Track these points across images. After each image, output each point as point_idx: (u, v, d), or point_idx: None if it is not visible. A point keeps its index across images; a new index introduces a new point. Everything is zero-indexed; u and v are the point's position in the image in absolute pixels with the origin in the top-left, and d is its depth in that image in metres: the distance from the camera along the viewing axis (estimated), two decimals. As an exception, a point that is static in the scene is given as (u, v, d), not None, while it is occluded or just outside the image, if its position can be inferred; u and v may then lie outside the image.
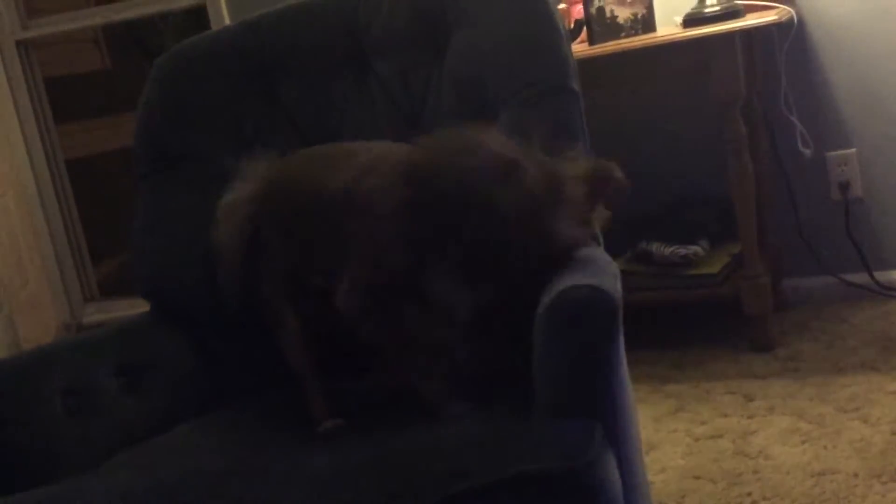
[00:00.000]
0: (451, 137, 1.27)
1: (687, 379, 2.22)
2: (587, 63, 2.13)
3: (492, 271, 1.15)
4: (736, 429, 1.93)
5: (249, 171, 1.47)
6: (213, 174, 1.55)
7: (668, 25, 2.35)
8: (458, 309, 1.16)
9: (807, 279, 2.54)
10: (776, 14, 2.19)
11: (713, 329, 2.44)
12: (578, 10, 2.37)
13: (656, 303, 2.41)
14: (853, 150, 2.47)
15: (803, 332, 2.37)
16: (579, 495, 0.93)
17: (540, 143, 1.21)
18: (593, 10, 2.27)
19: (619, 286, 1.07)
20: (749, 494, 1.68)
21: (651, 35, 2.28)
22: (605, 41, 2.26)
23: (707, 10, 2.21)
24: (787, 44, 2.40)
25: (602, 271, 1.10)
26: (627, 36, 2.28)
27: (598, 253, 1.27)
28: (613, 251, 1.32)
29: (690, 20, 2.23)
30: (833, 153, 2.49)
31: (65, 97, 3.70)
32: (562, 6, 2.42)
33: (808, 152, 2.46)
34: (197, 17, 3.25)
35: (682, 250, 2.37)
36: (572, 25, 2.40)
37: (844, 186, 2.49)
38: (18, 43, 3.29)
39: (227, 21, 2.92)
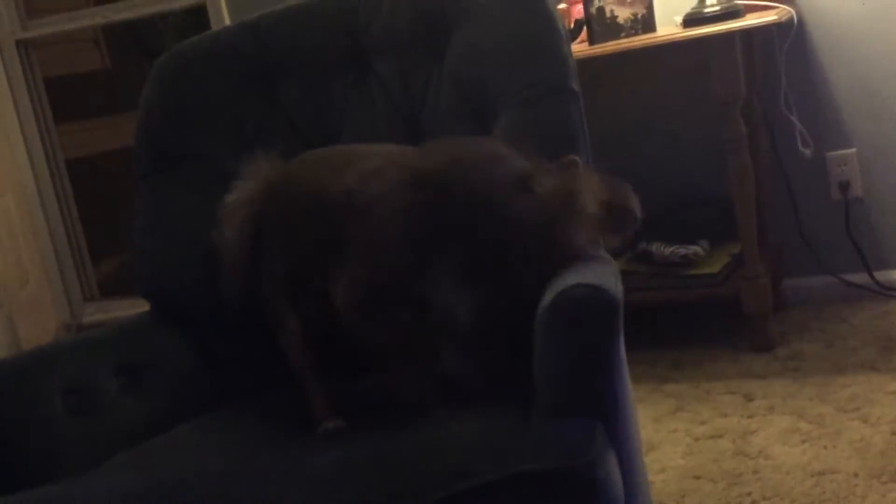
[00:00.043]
0: (465, 146, 1.27)
1: (687, 379, 2.22)
2: (587, 63, 2.14)
3: (495, 275, 1.15)
4: (736, 429, 1.93)
5: (252, 172, 1.47)
6: (213, 174, 1.55)
7: (668, 25, 2.35)
8: (459, 311, 1.17)
9: (807, 279, 2.54)
10: (776, 14, 2.19)
11: (713, 329, 2.44)
12: (578, 10, 2.37)
13: (656, 303, 2.41)
14: (853, 149, 2.47)
15: (803, 332, 2.37)
16: (580, 494, 0.93)
17: (545, 150, 1.22)
18: (593, 10, 2.27)
19: (619, 285, 1.07)
20: (749, 494, 1.68)
21: (651, 35, 2.28)
22: (605, 41, 2.26)
23: (707, 10, 2.21)
24: (787, 44, 2.40)
25: (603, 271, 1.10)
26: (627, 36, 2.28)
27: (600, 253, 1.27)
28: (613, 251, 1.32)
29: (690, 20, 2.23)
30: (833, 153, 2.49)
31: (65, 97, 3.70)
32: (562, 6, 2.42)
33: (808, 152, 2.46)
34: (197, 17, 3.25)
35: (683, 250, 2.37)
36: (572, 25, 2.40)
37: (844, 186, 2.49)
38: (18, 43, 3.29)
39: (227, 21, 2.92)
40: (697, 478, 1.77)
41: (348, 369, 1.40)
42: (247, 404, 1.44)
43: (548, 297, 1.06)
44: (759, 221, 2.29)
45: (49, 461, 1.33)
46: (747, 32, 2.22)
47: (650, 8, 2.31)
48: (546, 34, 1.45)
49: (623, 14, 2.29)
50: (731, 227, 2.30)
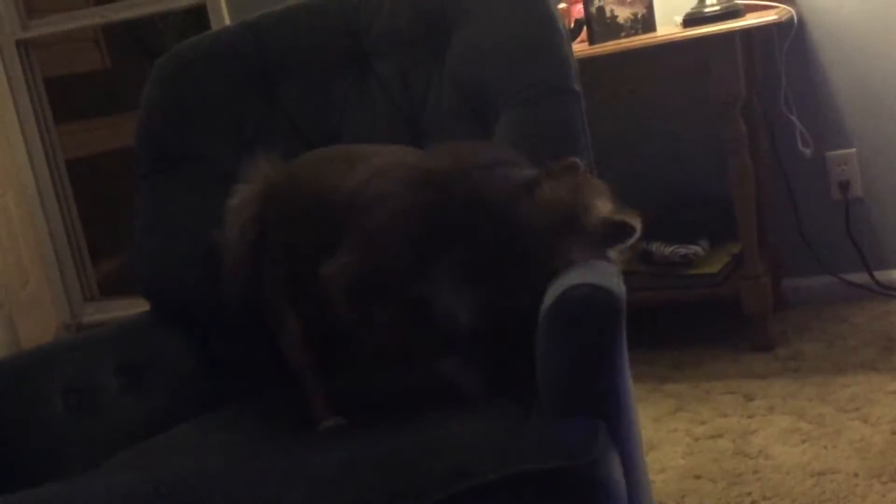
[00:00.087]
0: (469, 149, 1.27)
1: (687, 379, 2.22)
2: (587, 63, 2.13)
3: (495, 277, 1.15)
4: (736, 428, 1.93)
5: (253, 174, 1.47)
6: (213, 174, 1.55)
7: (668, 25, 2.35)
8: (459, 312, 1.16)
9: (807, 279, 2.54)
10: (776, 14, 2.19)
11: (713, 329, 2.44)
12: (578, 10, 2.37)
13: (656, 302, 2.41)
14: (853, 149, 2.47)
15: (803, 331, 2.37)
16: (583, 494, 0.93)
17: (545, 150, 1.22)
18: (593, 10, 2.27)
19: (622, 285, 1.07)
20: (749, 494, 1.68)
21: (651, 35, 2.28)
22: (605, 41, 2.26)
23: (707, 10, 2.21)
24: (787, 43, 2.40)
25: (605, 271, 1.10)
26: (627, 36, 2.28)
27: (600, 253, 1.27)
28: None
29: (690, 20, 2.23)
30: (833, 153, 2.49)
31: (65, 97, 3.70)
32: (562, 6, 2.42)
33: (808, 152, 2.46)
34: (197, 17, 3.24)
35: (683, 250, 2.37)
36: (572, 25, 2.40)
37: (844, 186, 2.49)
38: (18, 43, 3.29)
39: (227, 21, 2.92)
40: (697, 477, 1.77)
41: (348, 369, 1.40)
42: (247, 404, 1.44)
43: (550, 296, 1.06)
44: (759, 221, 2.29)
45: (49, 461, 1.33)
46: (747, 32, 2.22)
47: (650, 8, 2.31)
48: (547, 34, 1.45)
49: (623, 14, 2.29)
50: (731, 226, 2.30)
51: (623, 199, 1.22)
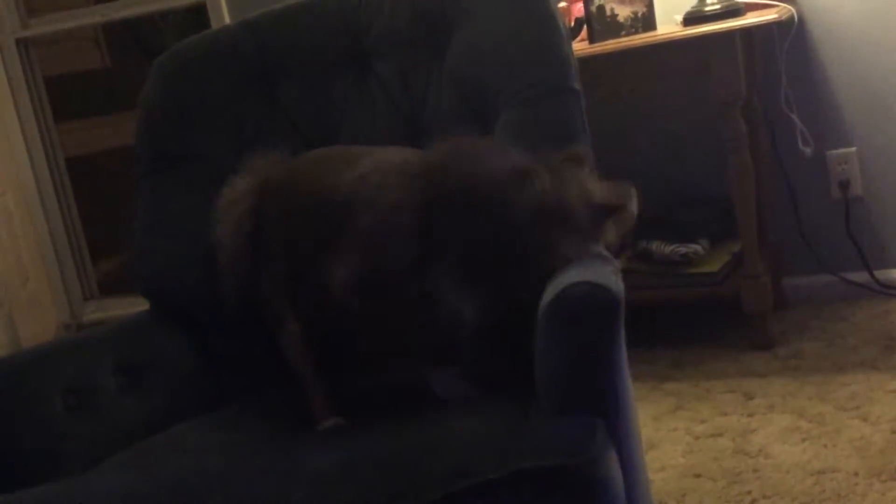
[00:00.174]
0: (465, 143, 1.27)
1: (687, 377, 2.22)
2: (587, 62, 2.13)
3: (494, 273, 1.15)
4: (736, 427, 1.93)
5: (250, 169, 1.47)
6: (213, 174, 1.55)
7: (669, 24, 2.35)
8: (461, 308, 1.16)
9: (807, 278, 2.54)
10: (776, 12, 2.19)
11: (713, 328, 2.44)
12: (579, 9, 2.37)
13: (656, 301, 2.41)
14: (853, 148, 2.47)
15: (803, 330, 2.37)
16: (581, 492, 0.93)
17: (547, 147, 1.22)
18: (593, 9, 2.27)
19: (620, 283, 1.07)
20: (749, 493, 1.68)
21: (651, 33, 2.28)
22: (606, 40, 2.26)
23: (707, 9, 2.21)
24: (788, 42, 2.40)
25: (603, 269, 1.10)
26: (628, 34, 2.28)
27: (599, 251, 1.27)
28: (613, 250, 1.32)
29: (691, 19, 2.23)
30: (833, 152, 2.49)
31: (65, 96, 3.70)
32: (562, 4, 2.42)
33: (808, 151, 2.46)
34: (197, 16, 3.24)
35: (683, 249, 2.37)
36: (573, 24, 2.40)
37: (845, 185, 2.49)
38: (18, 41, 3.29)
39: (228, 20, 2.91)
40: (697, 476, 1.77)
41: (348, 368, 1.40)
42: (247, 404, 1.44)
43: (549, 294, 1.06)
44: (760, 220, 2.29)
45: (49, 460, 1.33)
46: (748, 31, 2.21)
47: (650, 6, 2.31)
48: (546, 33, 1.45)
49: (623, 12, 2.29)
50: (731, 225, 2.30)
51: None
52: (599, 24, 2.27)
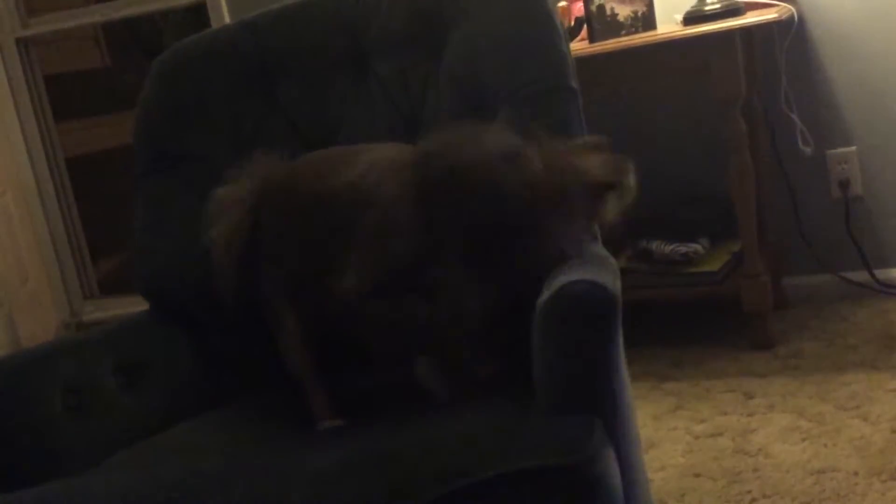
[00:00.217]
0: (458, 129, 1.27)
1: (687, 377, 2.22)
2: (587, 61, 2.14)
3: (496, 262, 1.14)
4: (736, 427, 1.93)
5: (248, 169, 1.46)
6: (212, 174, 1.54)
7: (669, 23, 2.35)
8: (468, 303, 1.16)
9: (807, 277, 2.54)
10: (776, 12, 2.19)
11: (713, 327, 2.44)
12: (579, 8, 2.37)
13: (656, 301, 2.41)
14: (853, 148, 2.47)
15: (803, 330, 2.37)
16: (579, 491, 0.93)
17: (544, 136, 1.21)
18: (593, 8, 2.27)
19: (617, 282, 1.07)
20: (749, 492, 1.68)
21: (651, 33, 2.28)
22: (606, 39, 2.26)
23: (707, 8, 2.21)
24: (788, 42, 2.40)
25: (601, 267, 1.10)
26: (628, 34, 2.28)
27: (598, 250, 1.27)
28: (613, 249, 1.32)
29: (691, 18, 2.23)
30: (833, 151, 2.49)
31: (64, 95, 3.69)
32: (562, 4, 2.42)
33: (808, 150, 2.46)
34: (197, 15, 3.24)
35: (683, 248, 2.37)
36: (573, 23, 2.40)
37: (844, 184, 2.49)
38: (18, 41, 3.29)
39: (227, 19, 2.92)
40: (697, 476, 1.77)
41: (348, 368, 1.40)
42: (247, 404, 1.44)
43: (546, 293, 1.06)
44: (759, 220, 2.29)
45: (48, 460, 1.33)
46: (748, 30, 2.21)
47: (650, 6, 2.31)
48: (544, 32, 1.44)
49: (623, 12, 2.29)
50: (732, 225, 2.30)
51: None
52: (599, 23, 2.27)
